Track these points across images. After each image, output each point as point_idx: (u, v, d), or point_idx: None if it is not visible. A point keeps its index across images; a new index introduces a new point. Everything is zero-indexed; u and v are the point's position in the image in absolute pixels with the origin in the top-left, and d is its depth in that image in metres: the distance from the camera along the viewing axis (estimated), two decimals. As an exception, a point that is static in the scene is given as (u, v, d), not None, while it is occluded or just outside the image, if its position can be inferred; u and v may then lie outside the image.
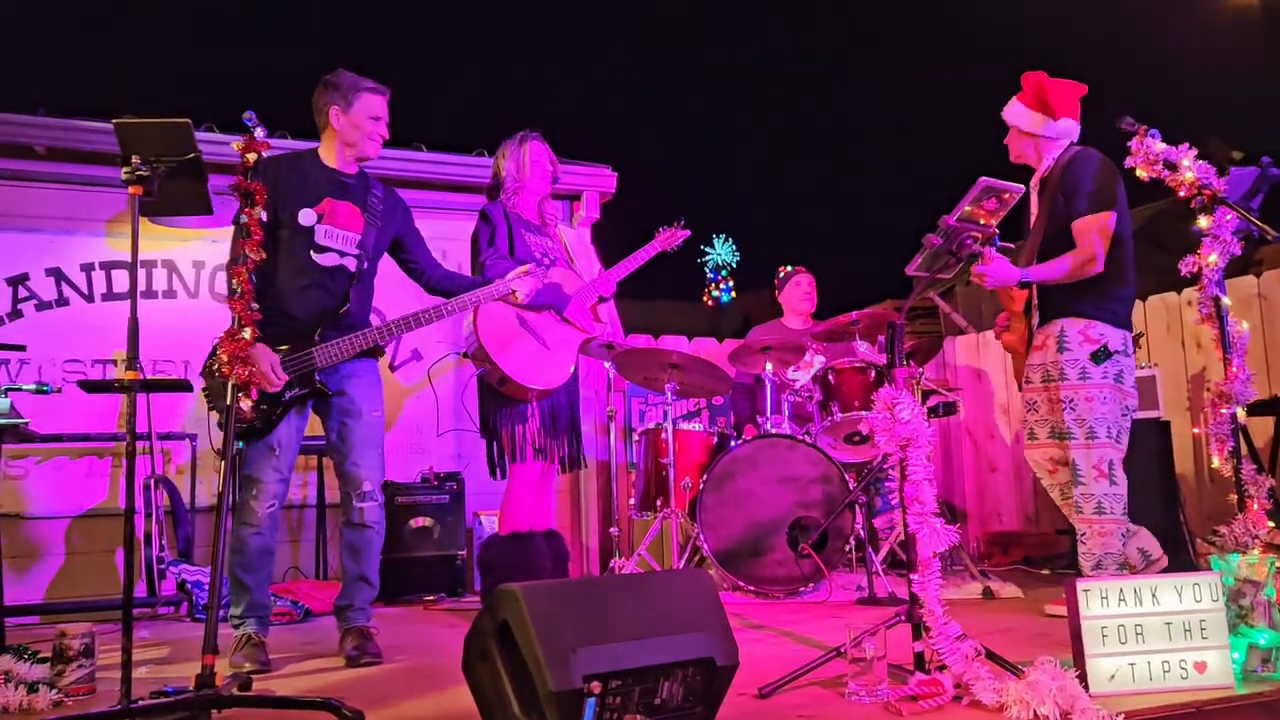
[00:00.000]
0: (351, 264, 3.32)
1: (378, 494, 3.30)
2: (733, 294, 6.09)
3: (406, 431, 5.60)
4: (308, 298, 3.23)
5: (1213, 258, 2.93)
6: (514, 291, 3.50)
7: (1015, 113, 3.70)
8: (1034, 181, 3.70)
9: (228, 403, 2.58)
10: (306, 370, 3.16)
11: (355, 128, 3.33)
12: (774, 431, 4.59)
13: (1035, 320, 3.64)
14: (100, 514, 4.89)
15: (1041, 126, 3.62)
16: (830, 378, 4.63)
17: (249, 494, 3.13)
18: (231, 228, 3.05)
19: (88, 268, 5.10)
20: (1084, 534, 3.47)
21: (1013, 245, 3.42)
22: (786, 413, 4.80)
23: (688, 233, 4.45)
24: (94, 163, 5.02)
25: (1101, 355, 3.44)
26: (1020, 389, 3.78)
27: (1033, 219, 3.71)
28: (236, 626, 3.12)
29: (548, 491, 4.10)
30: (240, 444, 3.19)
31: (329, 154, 3.37)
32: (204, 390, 3.22)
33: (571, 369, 4.02)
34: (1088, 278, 3.43)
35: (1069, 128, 3.64)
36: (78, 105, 5.09)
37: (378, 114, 3.36)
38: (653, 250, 4.36)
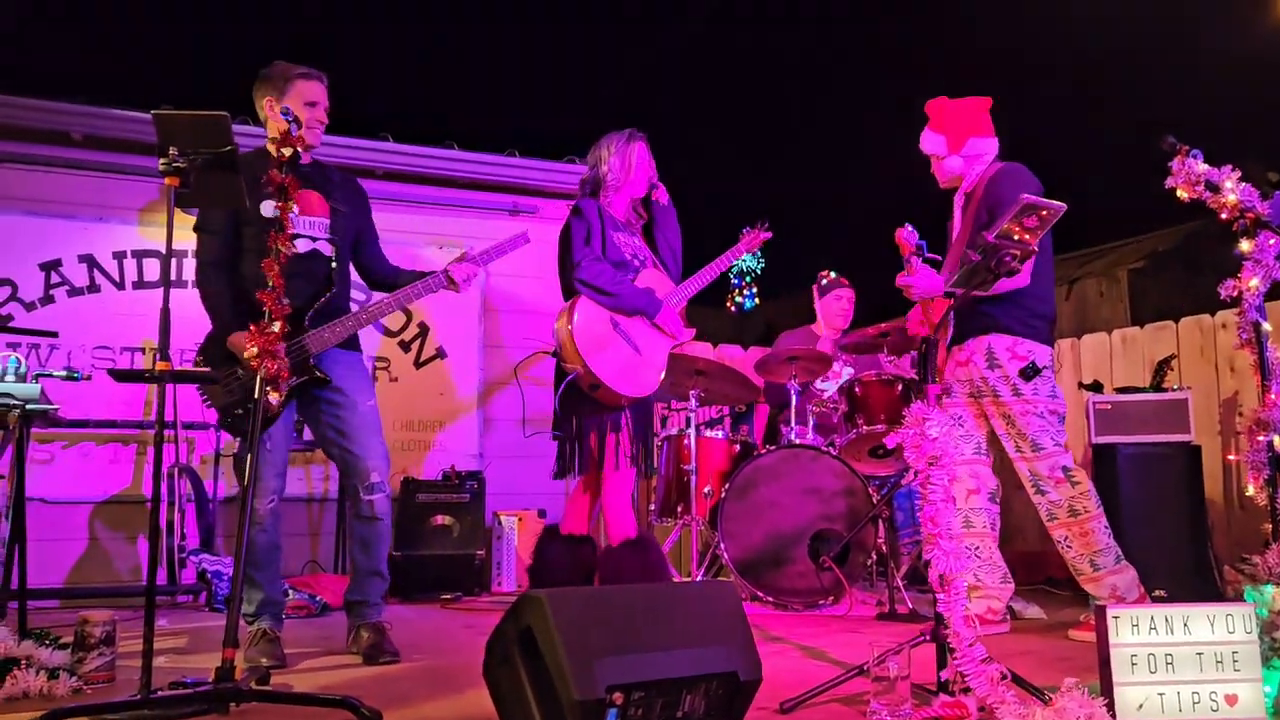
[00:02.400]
0: (326, 248, 3.28)
1: (385, 485, 3.26)
2: (756, 300, 6.05)
3: (430, 428, 5.61)
4: (290, 287, 3.05)
5: (1254, 282, 2.88)
6: (452, 281, 3.34)
7: (929, 142, 3.77)
8: (958, 197, 3.76)
9: (255, 396, 2.58)
10: (301, 358, 3.10)
11: (276, 114, 3.20)
12: (798, 442, 4.56)
13: (949, 334, 3.68)
14: (124, 500, 4.93)
15: (954, 149, 3.70)
16: (856, 390, 4.60)
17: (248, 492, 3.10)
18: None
19: (120, 255, 5.14)
20: (1067, 539, 3.47)
21: (939, 258, 3.43)
22: (811, 423, 4.77)
23: (770, 234, 4.26)
24: (129, 151, 5.06)
25: (1030, 371, 3.49)
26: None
27: (955, 233, 3.76)
28: (250, 623, 3.12)
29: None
30: (238, 441, 3.20)
31: (274, 146, 3.20)
32: (202, 394, 3.20)
33: (661, 374, 3.85)
34: (1012, 294, 3.48)
35: (984, 145, 3.71)
36: (115, 93, 5.14)
37: (312, 99, 3.26)
38: (738, 253, 4.21)
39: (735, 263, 4.98)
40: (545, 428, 4.05)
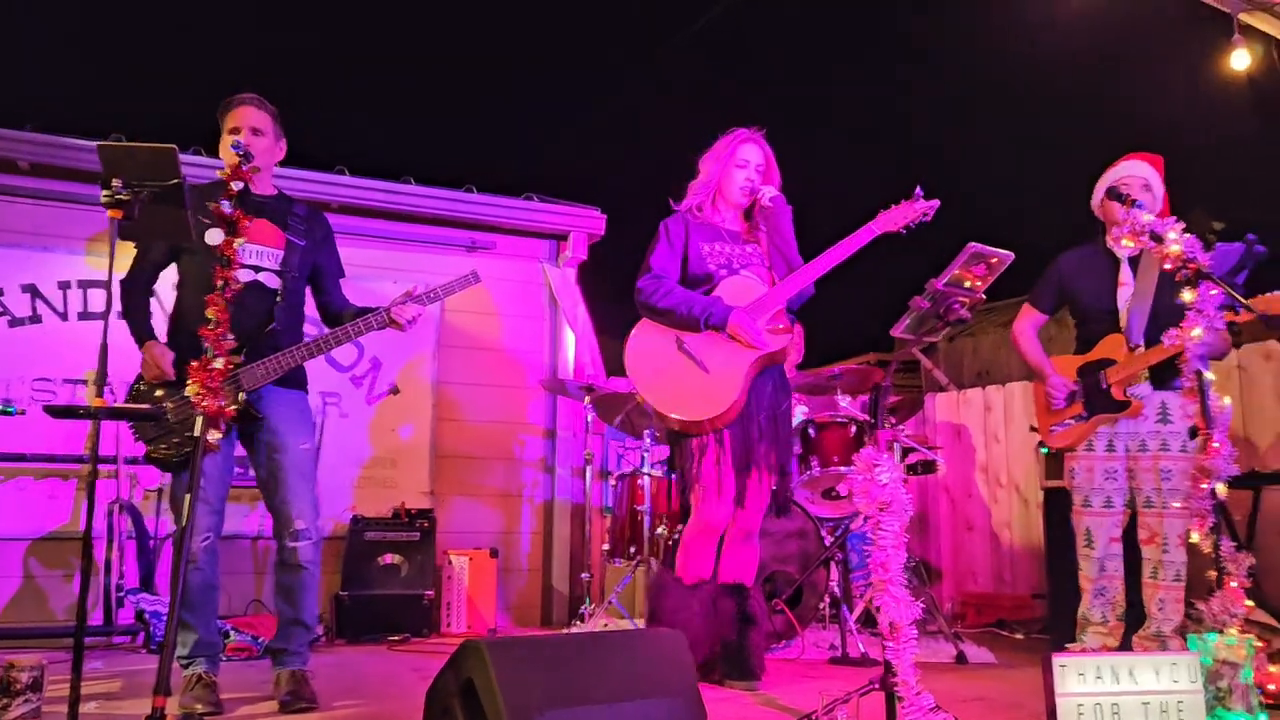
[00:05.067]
0: (272, 280, 3.18)
1: (311, 532, 3.14)
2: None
3: (381, 465, 5.52)
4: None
5: (1196, 332, 2.93)
6: (394, 320, 3.15)
7: (1158, 185, 3.79)
8: (1128, 251, 3.73)
9: (196, 434, 2.53)
10: (231, 393, 2.97)
11: (223, 148, 3.13)
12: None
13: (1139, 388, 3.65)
14: (61, 537, 4.79)
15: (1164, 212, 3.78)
16: (810, 431, 4.60)
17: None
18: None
19: (64, 285, 5.04)
20: (1163, 601, 3.52)
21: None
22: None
23: (936, 203, 3.38)
24: (77, 180, 4.98)
25: (1194, 432, 3.49)
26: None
27: (1128, 288, 3.71)
28: (185, 666, 3.01)
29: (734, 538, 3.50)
30: (170, 476, 3.13)
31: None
32: (132, 428, 3.15)
33: (737, 393, 3.31)
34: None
35: None
36: (65, 122, 5.05)
37: (235, 126, 3.18)
38: (870, 233, 3.41)
39: None
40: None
